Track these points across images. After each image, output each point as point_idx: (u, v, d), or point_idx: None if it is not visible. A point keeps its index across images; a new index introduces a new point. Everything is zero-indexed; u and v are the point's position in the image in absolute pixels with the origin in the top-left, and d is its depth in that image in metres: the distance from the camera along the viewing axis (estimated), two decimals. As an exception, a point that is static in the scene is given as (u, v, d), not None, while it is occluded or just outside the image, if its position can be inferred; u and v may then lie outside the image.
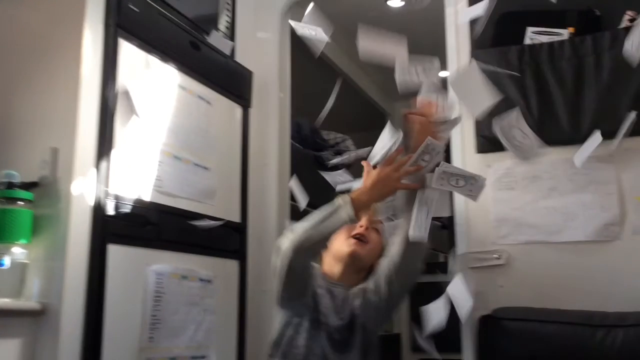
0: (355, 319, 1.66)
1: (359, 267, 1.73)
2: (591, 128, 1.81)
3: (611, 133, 1.80)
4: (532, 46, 1.93)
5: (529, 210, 1.87)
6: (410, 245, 1.57)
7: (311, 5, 1.68)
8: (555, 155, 1.86)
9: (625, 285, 1.70)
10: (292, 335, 1.62)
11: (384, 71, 3.89)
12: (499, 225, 1.89)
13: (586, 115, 1.83)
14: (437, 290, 1.62)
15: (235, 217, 2.20)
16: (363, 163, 1.66)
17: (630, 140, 1.78)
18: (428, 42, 3.15)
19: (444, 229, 4.10)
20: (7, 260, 1.52)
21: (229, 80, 2.25)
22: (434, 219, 1.52)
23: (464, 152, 2.00)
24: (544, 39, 1.93)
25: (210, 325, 1.93)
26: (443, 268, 3.49)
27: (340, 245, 1.72)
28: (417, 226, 1.51)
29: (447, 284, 1.67)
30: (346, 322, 1.66)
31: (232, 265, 2.14)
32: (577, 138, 1.83)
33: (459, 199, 1.97)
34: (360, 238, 1.72)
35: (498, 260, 1.86)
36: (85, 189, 1.59)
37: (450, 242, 2.09)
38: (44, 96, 1.68)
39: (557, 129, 1.86)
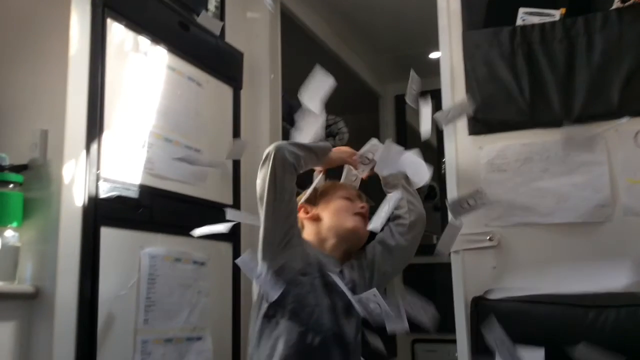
0: (355, 290, 1.66)
1: (354, 245, 1.72)
2: (582, 109, 1.82)
3: (602, 115, 1.81)
4: (524, 27, 1.92)
5: (521, 192, 1.87)
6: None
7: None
8: (546, 136, 1.87)
9: (617, 266, 1.71)
10: (300, 294, 1.56)
11: (376, 52, 3.90)
12: (491, 207, 1.90)
13: (578, 96, 1.84)
14: (430, 271, 1.63)
15: (228, 200, 2.19)
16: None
17: (620, 121, 1.79)
18: (419, 23, 3.15)
19: (437, 210, 4.13)
20: (-2, 244, 1.51)
21: (219, 61, 2.23)
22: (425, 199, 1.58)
23: (457, 134, 2.00)
24: (536, 19, 1.93)
25: (205, 307, 1.94)
26: (435, 250, 3.51)
27: (343, 219, 1.69)
28: (376, 219, 1.66)
29: (440, 265, 1.68)
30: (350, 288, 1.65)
31: (225, 247, 2.14)
32: (568, 119, 1.84)
33: (451, 180, 1.98)
34: (364, 215, 1.72)
35: (490, 242, 1.87)
36: (76, 171, 1.58)
37: (443, 224, 2.09)
38: (32, 78, 1.65)
39: (549, 110, 1.86)
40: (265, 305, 1.55)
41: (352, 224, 1.69)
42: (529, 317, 1.63)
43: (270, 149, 1.55)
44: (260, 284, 1.54)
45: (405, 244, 1.73)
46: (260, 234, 1.55)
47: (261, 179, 1.55)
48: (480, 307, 1.72)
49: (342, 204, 1.72)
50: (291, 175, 1.56)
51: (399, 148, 1.83)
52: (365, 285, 1.66)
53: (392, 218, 1.76)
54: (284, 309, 1.54)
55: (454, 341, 1.88)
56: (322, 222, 1.71)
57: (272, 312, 1.55)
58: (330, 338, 1.57)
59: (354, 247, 1.73)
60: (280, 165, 1.53)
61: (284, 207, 1.55)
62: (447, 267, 1.91)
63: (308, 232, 1.71)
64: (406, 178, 1.80)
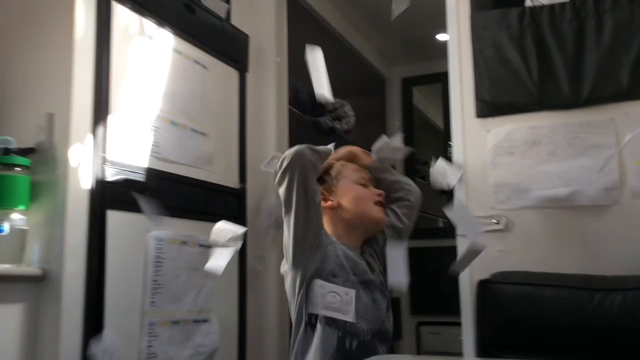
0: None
1: (374, 233, 1.71)
2: (591, 91, 1.80)
3: (611, 97, 1.79)
4: (533, 8, 1.90)
5: (529, 175, 1.86)
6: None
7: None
8: (555, 119, 1.85)
9: (624, 249, 1.71)
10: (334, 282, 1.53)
11: (383, 35, 3.87)
12: (498, 190, 1.89)
13: (587, 78, 1.82)
14: (436, 254, 1.63)
15: (234, 183, 2.20)
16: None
17: (630, 104, 1.78)
18: (427, 4, 3.11)
19: (443, 194, 4.12)
20: (6, 227, 1.51)
21: (225, 44, 2.21)
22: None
23: (464, 117, 1.99)
24: (545, 0, 1.90)
25: (211, 290, 1.95)
26: (442, 233, 3.52)
27: (368, 209, 1.66)
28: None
29: (446, 248, 1.68)
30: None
31: (231, 230, 2.15)
32: (577, 102, 1.82)
33: (457, 162, 1.97)
34: (383, 203, 1.70)
35: (497, 225, 1.87)
36: (83, 154, 1.58)
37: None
38: (37, 61, 1.65)
39: (557, 93, 1.85)
40: (305, 314, 1.53)
41: (377, 215, 1.67)
42: (535, 300, 1.63)
43: (290, 154, 1.51)
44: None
45: (410, 224, 1.75)
46: (291, 242, 1.52)
47: (287, 186, 1.51)
48: (486, 290, 1.73)
49: (360, 191, 1.68)
50: (315, 176, 1.55)
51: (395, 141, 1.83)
52: (381, 272, 1.66)
53: (392, 201, 1.76)
54: (319, 315, 1.51)
55: (459, 324, 1.89)
56: (343, 211, 1.66)
57: (313, 321, 1.53)
58: (372, 338, 1.54)
59: (372, 235, 1.72)
60: (307, 168, 1.50)
61: (317, 210, 1.53)
62: (453, 251, 1.91)
63: (327, 221, 1.65)
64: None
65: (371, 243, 1.71)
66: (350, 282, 1.55)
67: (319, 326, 1.51)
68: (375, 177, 1.76)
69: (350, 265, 1.57)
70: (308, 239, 1.52)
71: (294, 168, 1.49)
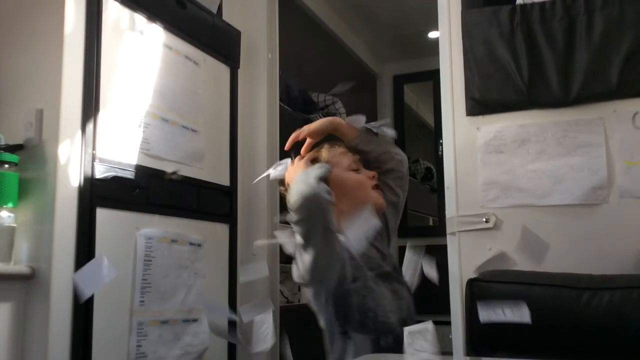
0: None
1: None
2: (581, 90, 1.81)
3: (601, 95, 1.80)
4: (524, 6, 1.90)
5: (518, 173, 1.87)
6: None
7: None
8: (544, 118, 1.86)
9: (612, 248, 1.72)
10: (358, 303, 1.45)
11: (374, 32, 3.86)
12: (488, 189, 1.89)
13: (576, 77, 1.82)
14: (426, 253, 1.63)
15: (225, 181, 2.19)
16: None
17: (619, 102, 1.78)
18: (419, 1, 3.11)
19: (433, 192, 4.13)
20: (-6, 224, 1.51)
21: (216, 39, 2.20)
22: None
23: (454, 115, 1.99)
24: (536, -2, 1.90)
25: (201, 288, 1.94)
26: (431, 232, 3.52)
27: (370, 197, 1.60)
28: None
29: (436, 246, 1.68)
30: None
31: (222, 229, 2.14)
32: (567, 100, 1.83)
33: (448, 161, 1.97)
34: (379, 185, 1.66)
35: (487, 224, 1.87)
36: (72, 151, 1.57)
37: (440, 206, 2.09)
38: (27, 56, 1.64)
39: (547, 91, 1.85)
40: (337, 324, 1.48)
41: (378, 201, 1.61)
42: (524, 299, 1.63)
43: (304, 200, 1.36)
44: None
45: (404, 194, 1.72)
46: (309, 272, 1.39)
47: (304, 233, 1.37)
48: (476, 289, 1.73)
49: (355, 179, 1.63)
50: (333, 212, 1.42)
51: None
52: (389, 254, 1.64)
53: (383, 172, 1.70)
54: (350, 323, 1.46)
55: (448, 323, 1.90)
56: (341, 204, 1.56)
57: (345, 329, 1.48)
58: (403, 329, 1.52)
59: None
60: (326, 213, 1.38)
61: (335, 237, 1.41)
62: (443, 249, 1.92)
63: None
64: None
65: None
66: (372, 281, 1.49)
67: (352, 334, 1.47)
68: (361, 150, 1.69)
69: (364, 262, 1.51)
70: (329, 270, 1.42)
71: (312, 217, 1.37)
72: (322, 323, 1.55)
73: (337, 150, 1.68)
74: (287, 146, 1.74)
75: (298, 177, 1.46)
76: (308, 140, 1.72)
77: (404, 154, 1.77)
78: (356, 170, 1.65)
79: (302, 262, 1.40)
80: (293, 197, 1.39)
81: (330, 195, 1.41)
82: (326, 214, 1.39)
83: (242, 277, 2.09)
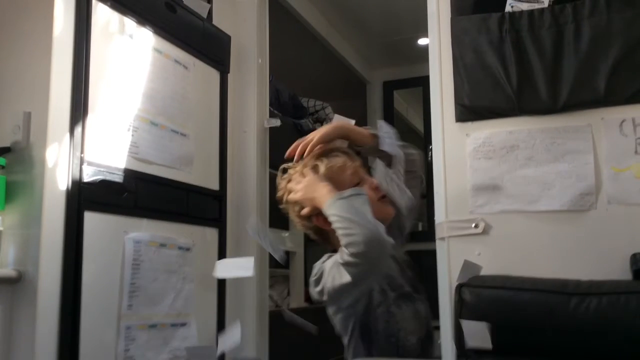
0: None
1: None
2: (569, 97, 1.82)
3: (589, 103, 1.81)
4: (512, 14, 1.92)
5: (506, 179, 1.88)
6: None
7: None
8: (533, 124, 1.87)
9: (600, 254, 1.73)
10: (378, 330, 1.47)
11: (364, 38, 3.88)
12: (477, 194, 1.90)
13: (565, 84, 1.84)
14: (415, 258, 1.64)
15: (214, 185, 2.18)
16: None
17: (606, 110, 1.80)
18: (409, 8, 3.13)
19: (423, 197, 4.14)
20: (-20, 228, 1.49)
21: (206, 44, 2.20)
22: None
23: (443, 121, 1.99)
24: (525, 6, 1.92)
25: (190, 293, 1.93)
26: (421, 237, 3.53)
27: (378, 212, 1.55)
28: None
29: (425, 252, 1.68)
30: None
31: (211, 233, 2.14)
32: (555, 108, 1.84)
33: (437, 167, 1.98)
34: (384, 195, 1.64)
35: (476, 229, 1.87)
36: (60, 154, 1.56)
37: (429, 212, 2.10)
38: (14, 59, 1.63)
39: (536, 98, 1.86)
40: (363, 347, 1.48)
41: (386, 213, 1.59)
42: (512, 304, 1.64)
43: (368, 241, 1.31)
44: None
45: (420, 195, 1.72)
46: (331, 286, 1.38)
47: (359, 271, 1.34)
48: (464, 294, 1.73)
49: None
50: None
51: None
52: (411, 266, 1.64)
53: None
54: (375, 347, 1.46)
55: (437, 327, 1.90)
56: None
57: (370, 352, 1.49)
58: (421, 346, 1.52)
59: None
60: (387, 258, 1.38)
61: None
62: (432, 254, 1.92)
63: (337, 244, 1.48)
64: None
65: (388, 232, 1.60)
66: (394, 304, 1.49)
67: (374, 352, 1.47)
68: (373, 155, 1.68)
69: (386, 282, 1.50)
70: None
71: (375, 259, 1.34)
72: (345, 341, 1.53)
73: (335, 165, 1.63)
74: (290, 153, 1.70)
75: (340, 206, 1.39)
76: (319, 147, 1.67)
77: (418, 152, 1.73)
78: (357, 184, 1.62)
79: (338, 282, 1.36)
80: (353, 239, 1.32)
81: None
82: (388, 258, 1.37)
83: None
